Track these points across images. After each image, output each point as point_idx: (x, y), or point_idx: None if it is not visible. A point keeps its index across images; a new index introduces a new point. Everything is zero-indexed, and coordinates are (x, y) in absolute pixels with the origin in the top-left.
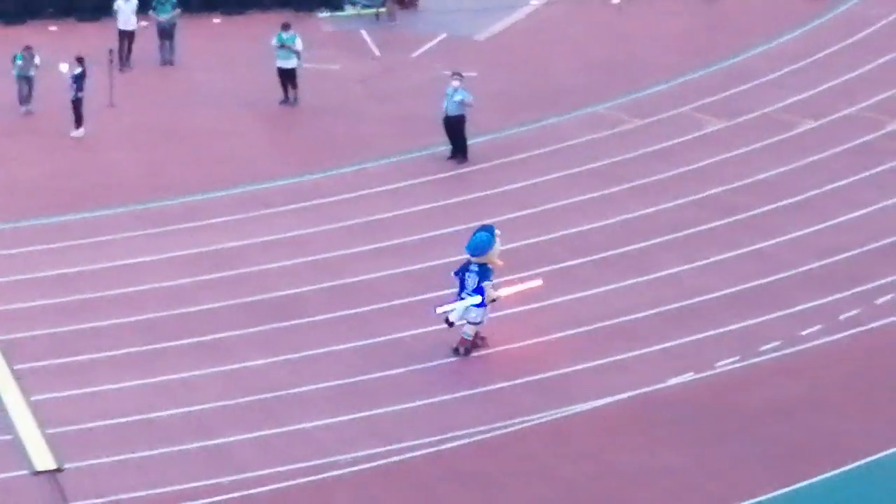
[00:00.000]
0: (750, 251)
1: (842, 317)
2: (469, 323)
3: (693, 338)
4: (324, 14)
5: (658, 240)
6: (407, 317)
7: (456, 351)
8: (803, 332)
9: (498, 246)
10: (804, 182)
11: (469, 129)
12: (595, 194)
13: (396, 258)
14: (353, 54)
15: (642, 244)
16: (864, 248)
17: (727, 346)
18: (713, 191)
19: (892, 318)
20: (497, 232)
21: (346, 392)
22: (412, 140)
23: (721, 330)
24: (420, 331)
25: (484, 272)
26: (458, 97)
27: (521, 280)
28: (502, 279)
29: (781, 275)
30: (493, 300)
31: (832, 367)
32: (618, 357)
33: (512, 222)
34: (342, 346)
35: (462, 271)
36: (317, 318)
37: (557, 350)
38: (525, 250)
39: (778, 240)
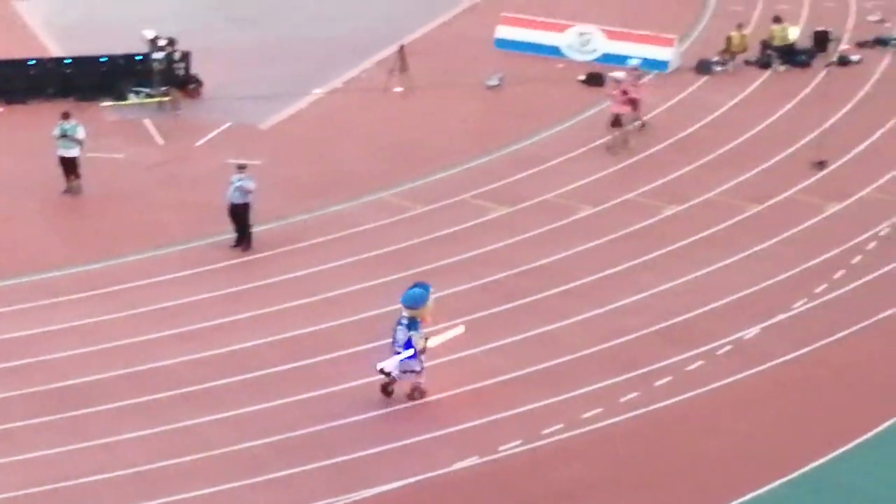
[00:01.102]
0: (534, 335)
1: (622, 399)
2: (410, 372)
3: (477, 422)
4: (106, 103)
5: (442, 325)
6: (200, 403)
7: (411, 397)
8: (585, 415)
9: (431, 302)
10: (584, 266)
11: (255, 216)
12: (380, 280)
13: (188, 344)
14: (138, 143)
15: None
16: (643, 332)
17: (511, 429)
18: (497, 276)
19: (669, 401)
20: (431, 290)
21: (137, 480)
22: (199, 228)
23: (505, 413)
24: (215, 417)
25: (413, 324)
26: (240, 184)
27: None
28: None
29: (564, 358)
30: (423, 350)
31: (612, 449)
32: (405, 441)
33: (296, 309)
34: (134, 434)
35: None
36: (108, 405)
37: (345, 435)
38: (307, 338)
39: (560, 323)
